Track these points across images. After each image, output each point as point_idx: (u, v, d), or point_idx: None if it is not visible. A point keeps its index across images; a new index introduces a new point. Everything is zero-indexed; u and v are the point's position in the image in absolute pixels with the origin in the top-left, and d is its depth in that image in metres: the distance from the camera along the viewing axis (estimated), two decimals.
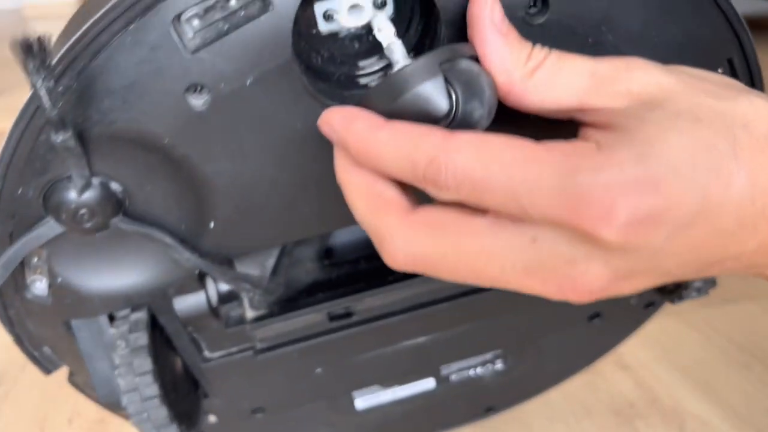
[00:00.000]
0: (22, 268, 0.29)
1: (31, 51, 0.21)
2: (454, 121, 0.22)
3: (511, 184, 0.19)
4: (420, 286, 0.36)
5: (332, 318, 0.36)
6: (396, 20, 0.27)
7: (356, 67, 0.28)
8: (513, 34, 0.23)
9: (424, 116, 0.22)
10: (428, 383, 0.42)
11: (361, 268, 0.37)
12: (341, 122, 0.22)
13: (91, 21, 0.23)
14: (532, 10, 0.26)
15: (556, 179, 0.19)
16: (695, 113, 0.20)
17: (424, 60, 0.22)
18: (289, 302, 0.36)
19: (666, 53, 0.28)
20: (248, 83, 0.25)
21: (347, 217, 0.25)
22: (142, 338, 0.31)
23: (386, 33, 0.25)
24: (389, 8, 0.27)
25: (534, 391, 0.47)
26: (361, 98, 0.23)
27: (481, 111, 0.22)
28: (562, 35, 0.26)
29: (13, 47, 0.20)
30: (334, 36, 0.27)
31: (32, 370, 0.33)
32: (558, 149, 0.20)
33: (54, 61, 0.23)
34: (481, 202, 0.20)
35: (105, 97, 0.24)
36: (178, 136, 0.26)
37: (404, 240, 0.21)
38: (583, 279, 0.20)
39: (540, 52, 0.23)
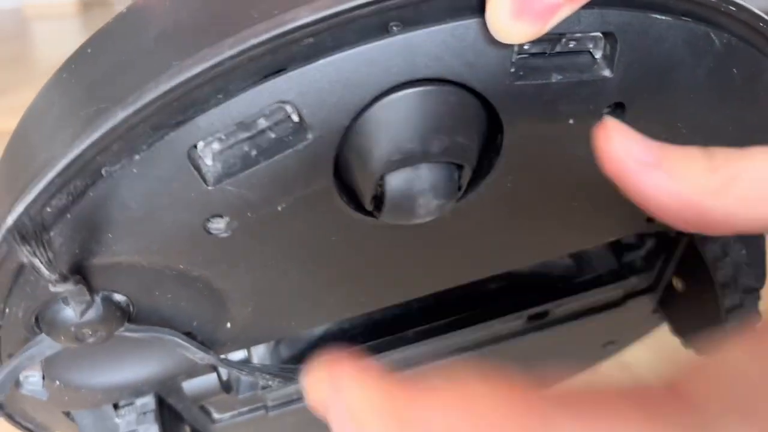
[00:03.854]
0: None
1: (25, 237, 0.17)
2: None
3: None
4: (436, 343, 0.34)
5: None
6: None
7: None
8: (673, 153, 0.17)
9: None
10: None
11: (376, 317, 0.35)
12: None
13: (88, 142, 0.19)
14: (605, 111, 0.22)
15: None
16: None
17: None
18: (299, 359, 0.33)
19: (738, 138, 0.25)
20: (279, 209, 0.21)
21: (375, 301, 0.24)
22: (153, 430, 0.29)
23: None
24: None
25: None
26: None
27: None
28: None
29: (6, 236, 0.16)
30: None
31: None
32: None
33: (43, 184, 0.19)
34: None
35: (108, 229, 0.20)
36: (195, 262, 0.22)
37: None
38: None
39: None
